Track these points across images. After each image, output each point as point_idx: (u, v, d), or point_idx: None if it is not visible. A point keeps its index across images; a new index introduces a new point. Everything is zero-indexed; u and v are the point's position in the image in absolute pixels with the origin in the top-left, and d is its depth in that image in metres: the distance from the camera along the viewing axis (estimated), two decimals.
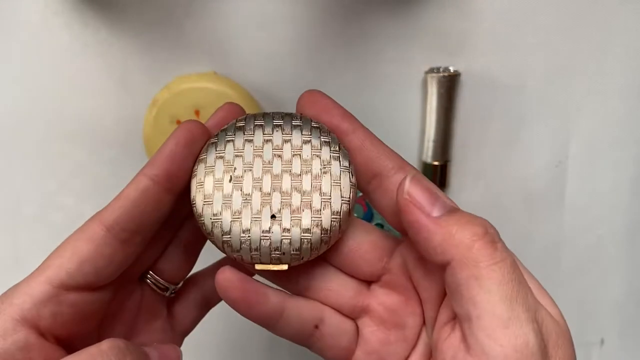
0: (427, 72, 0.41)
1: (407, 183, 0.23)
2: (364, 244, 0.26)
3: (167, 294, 0.29)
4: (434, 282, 0.25)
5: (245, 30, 0.40)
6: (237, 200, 0.24)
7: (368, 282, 0.27)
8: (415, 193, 0.23)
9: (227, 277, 0.24)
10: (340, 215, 0.25)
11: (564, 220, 0.44)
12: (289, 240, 0.24)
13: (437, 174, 0.42)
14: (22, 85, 0.41)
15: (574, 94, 0.42)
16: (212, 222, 0.24)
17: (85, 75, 0.41)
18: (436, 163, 0.42)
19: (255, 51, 0.41)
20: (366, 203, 0.41)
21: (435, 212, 0.23)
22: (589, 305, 0.46)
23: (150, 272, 0.28)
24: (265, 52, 0.41)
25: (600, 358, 0.47)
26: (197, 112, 0.39)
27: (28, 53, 0.41)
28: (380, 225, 0.40)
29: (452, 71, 0.41)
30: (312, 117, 0.26)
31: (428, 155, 0.42)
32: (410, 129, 0.43)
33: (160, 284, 0.28)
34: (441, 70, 0.41)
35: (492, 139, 0.43)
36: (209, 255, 0.31)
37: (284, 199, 0.24)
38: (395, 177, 0.25)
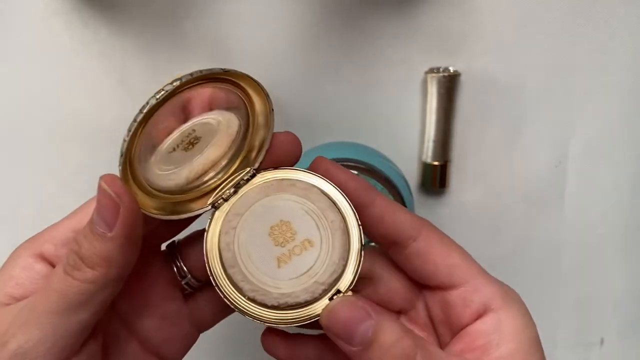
0: (427, 72, 0.41)
1: (325, 315, 0.24)
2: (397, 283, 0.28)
3: (184, 282, 0.29)
4: (449, 328, 0.27)
5: (245, 30, 0.40)
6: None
7: (397, 313, 0.29)
8: (333, 326, 0.24)
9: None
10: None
11: (564, 220, 0.44)
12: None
13: (437, 174, 0.42)
14: (22, 85, 0.41)
15: (574, 94, 0.42)
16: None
17: (85, 75, 0.41)
18: (436, 163, 0.42)
19: (255, 51, 0.41)
20: None
21: (355, 345, 0.23)
22: (589, 305, 0.46)
23: (179, 259, 0.29)
24: (265, 52, 0.41)
25: (600, 358, 0.47)
26: None
27: (28, 53, 0.41)
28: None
29: (452, 71, 0.41)
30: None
31: (428, 155, 0.42)
32: (410, 129, 0.43)
33: (179, 267, 0.29)
34: (441, 70, 0.41)
35: (492, 139, 0.43)
36: None
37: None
38: (411, 248, 0.27)
